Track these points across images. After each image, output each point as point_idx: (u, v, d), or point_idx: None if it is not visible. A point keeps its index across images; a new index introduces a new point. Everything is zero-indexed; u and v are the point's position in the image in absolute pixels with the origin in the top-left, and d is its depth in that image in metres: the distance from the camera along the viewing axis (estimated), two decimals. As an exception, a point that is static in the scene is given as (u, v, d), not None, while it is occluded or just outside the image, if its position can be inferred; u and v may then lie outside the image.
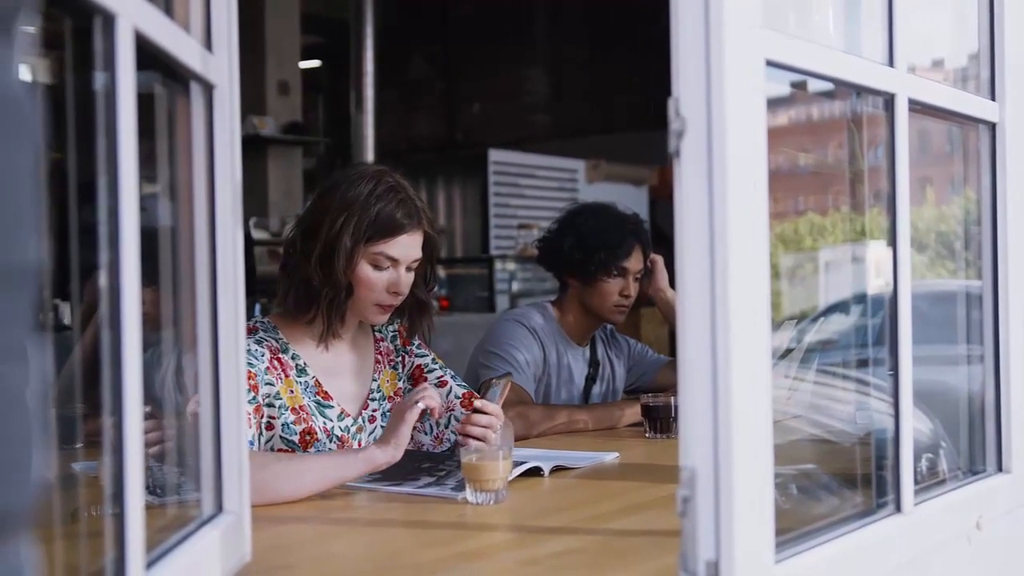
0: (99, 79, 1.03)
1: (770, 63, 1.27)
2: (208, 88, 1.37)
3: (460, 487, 1.96)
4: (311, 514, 1.89)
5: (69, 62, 1.04)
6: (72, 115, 1.06)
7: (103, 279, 1.01)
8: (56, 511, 1.17)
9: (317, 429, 2.22)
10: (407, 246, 2.24)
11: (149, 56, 1.13)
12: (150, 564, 1.11)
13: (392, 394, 2.40)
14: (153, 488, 1.37)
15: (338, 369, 2.32)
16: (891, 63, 1.55)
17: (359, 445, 2.28)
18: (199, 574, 1.27)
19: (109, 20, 1.00)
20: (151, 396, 1.18)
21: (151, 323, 1.21)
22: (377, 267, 2.22)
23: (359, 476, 2.00)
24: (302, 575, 1.56)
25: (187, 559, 1.22)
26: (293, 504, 1.96)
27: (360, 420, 2.32)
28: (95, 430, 1.28)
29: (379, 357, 2.41)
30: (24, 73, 0.63)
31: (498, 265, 7.67)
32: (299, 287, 2.23)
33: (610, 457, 2.40)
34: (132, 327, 1.03)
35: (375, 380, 2.38)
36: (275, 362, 2.20)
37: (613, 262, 3.03)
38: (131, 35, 1.03)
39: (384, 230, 2.20)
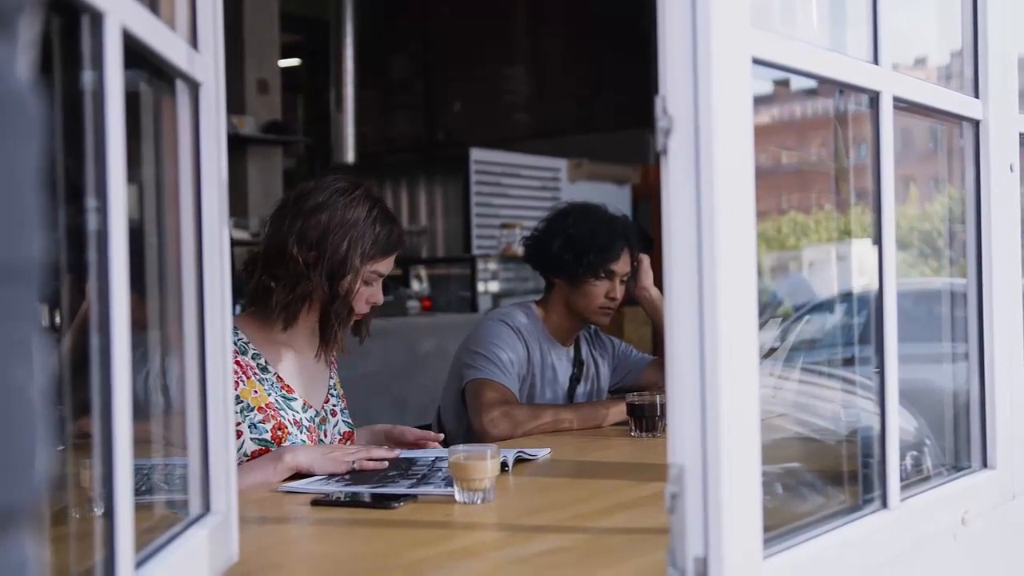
0: (86, 77, 1.02)
1: (757, 61, 1.27)
2: (194, 86, 1.37)
3: (450, 483, 1.95)
4: (298, 515, 1.89)
5: (56, 60, 1.03)
6: (57, 113, 1.05)
7: (92, 281, 1.01)
8: (44, 512, 1.17)
9: (287, 423, 2.31)
10: (392, 263, 2.42)
11: (135, 54, 1.12)
12: (139, 564, 1.11)
13: (341, 395, 2.54)
14: (138, 488, 1.36)
15: (299, 367, 2.42)
16: (876, 61, 1.56)
17: (324, 436, 2.41)
18: (187, 574, 1.27)
19: (97, 18, 1.00)
20: (135, 398, 1.17)
21: (135, 324, 1.21)
22: (367, 283, 2.36)
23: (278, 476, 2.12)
24: (289, 575, 1.55)
25: (175, 559, 1.22)
26: (280, 505, 1.95)
27: (323, 412, 2.43)
28: (79, 432, 1.27)
29: (332, 359, 2.53)
30: (28, 70, 0.63)
31: (480, 265, 7.66)
32: (299, 300, 2.32)
33: (543, 454, 2.41)
34: (121, 326, 1.03)
35: (332, 378, 2.51)
36: (234, 365, 2.23)
37: (601, 265, 3.02)
38: (119, 33, 1.03)
39: (384, 251, 2.36)
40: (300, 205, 2.33)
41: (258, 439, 2.25)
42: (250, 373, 2.30)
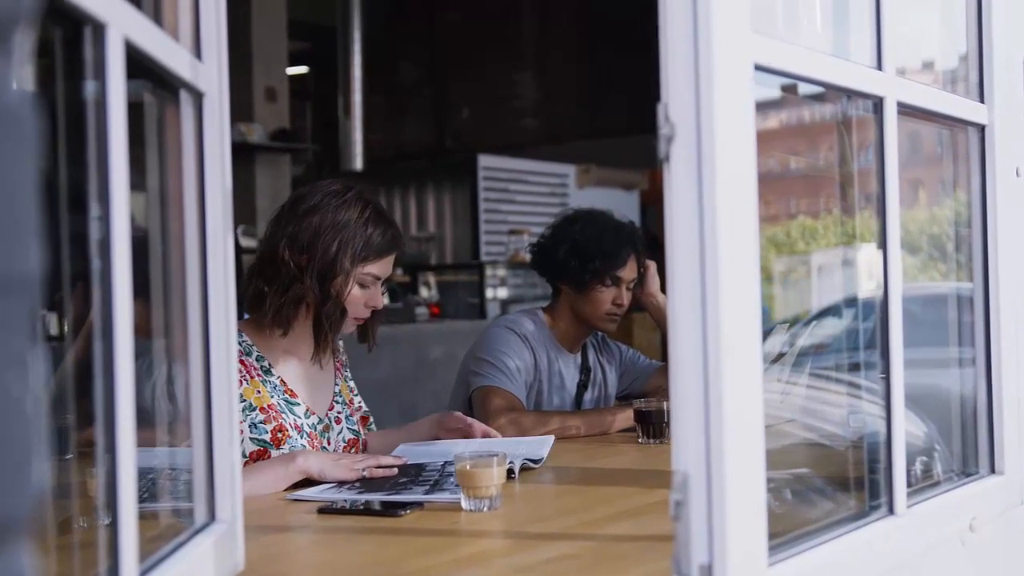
0: (89, 88, 1.03)
1: (759, 67, 1.27)
2: (198, 96, 1.37)
3: (459, 489, 1.94)
4: (304, 523, 1.89)
5: (59, 70, 1.03)
6: (61, 123, 1.06)
7: (95, 289, 1.01)
8: (49, 522, 1.17)
9: (288, 426, 2.31)
10: (390, 265, 2.41)
11: (138, 64, 1.13)
12: (143, 573, 1.11)
13: (347, 401, 2.52)
14: (143, 496, 1.36)
15: (303, 373, 2.42)
16: (879, 66, 1.56)
17: (328, 443, 2.41)
18: (192, 584, 1.27)
19: (99, 29, 1.00)
20: (142, 406, 1.18)
21: (141, 333, 1.21)
22: (362, 286, 2.36)
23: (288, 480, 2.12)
24: (295, 583, 1.55)
25: (180, 568, 1.22)
26: (286, 513, 1.95)
27: (327, 420, 2.43)
28: (86, 440, 1.28)
29: (337, 365, 2.54)
30: (24, 83, 0.63)
31: (489, 271, 7.66)
32: (292, 303, 2.32)
33: (547, 444, 2.45)
34: (124, 336, 1.03)
35: (337, 385, 2.51)
36: (238, 365, 2.24)
37: (608, 271, 3.02)
38: (121, 44, 1.03)
39: (377, 252, 2.35)
40: (295, 209, 2.34)
41: (257, 439, 2.25)
42: (254, 373, 2.31)
